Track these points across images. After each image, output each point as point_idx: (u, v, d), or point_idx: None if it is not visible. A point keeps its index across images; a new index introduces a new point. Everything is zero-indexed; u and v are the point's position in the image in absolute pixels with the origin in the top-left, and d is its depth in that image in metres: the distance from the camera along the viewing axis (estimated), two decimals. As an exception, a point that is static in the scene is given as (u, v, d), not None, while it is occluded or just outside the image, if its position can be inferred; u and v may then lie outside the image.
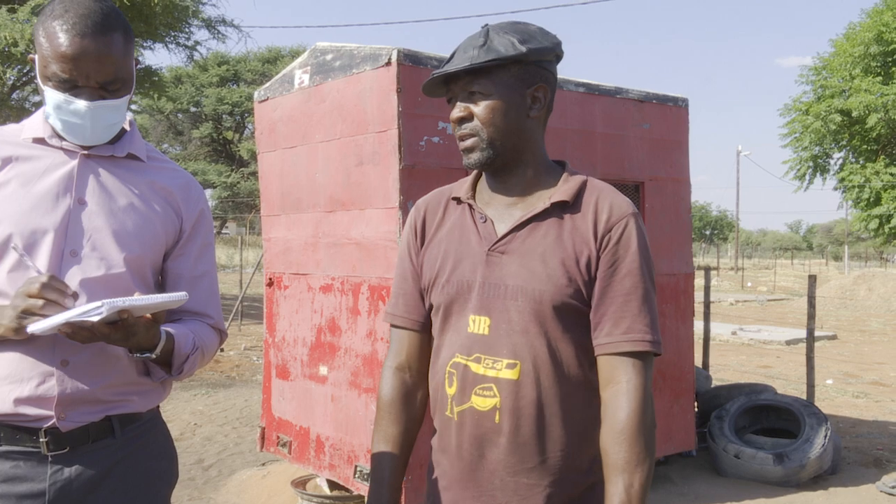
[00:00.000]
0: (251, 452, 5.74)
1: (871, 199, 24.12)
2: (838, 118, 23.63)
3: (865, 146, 24.72)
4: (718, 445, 5.31)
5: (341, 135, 4.14)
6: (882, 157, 24.39)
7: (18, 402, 1.48)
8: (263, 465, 5.40)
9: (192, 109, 40.21)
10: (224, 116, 40.53)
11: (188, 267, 1.70)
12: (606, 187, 1.56)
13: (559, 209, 1.51)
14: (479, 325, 1.51)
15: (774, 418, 5.65)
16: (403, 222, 3.74)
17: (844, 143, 25.23)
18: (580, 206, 1.51)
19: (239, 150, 39.19)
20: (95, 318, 1.35)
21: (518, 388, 1.47)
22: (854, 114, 23.15)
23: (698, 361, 6.35)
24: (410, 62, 3.80)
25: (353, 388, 4.10)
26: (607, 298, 1.47)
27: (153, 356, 1.52)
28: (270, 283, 4.81)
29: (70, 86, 1.50)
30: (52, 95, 1.51)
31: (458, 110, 1.52)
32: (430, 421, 1.65)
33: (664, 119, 5.13)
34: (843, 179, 25.10)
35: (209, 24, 14.68)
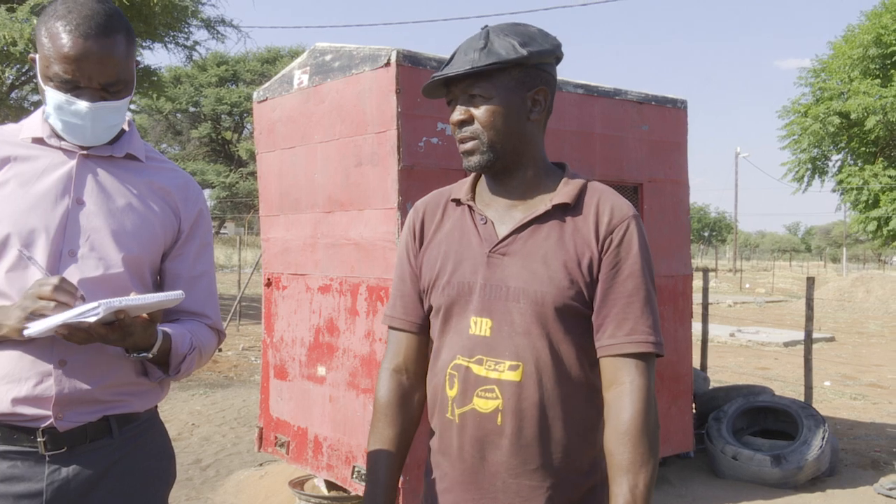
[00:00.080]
0: (249, 453, 5.74)
1: (870, 202, 24.17)
2: (837, 120, 23.66)
3: (864, 148, 24.75)
4: (716, 447, 5.31)
5: (340, 135, 4.14)
6: (880, 159, 24.42)
7: (16, 401, 1.48)
8: (261, 465, 5.39)
9: (191, 109, 40.19)
10: (223, 116, 40.52)
11: (186, 267, 1.69)
12: (607, 190, 1.56)
13: (560, 211, 1.51)
14: (480, 326, 1.51)
15: (772, 420, 5.66)
16: (402, 223, 3.74)
17: (843, 145, 25.27)
18: (581, 209, 1.51)
19: (238, 151, 39.17)
20: (92, 319, 1.35)
21: (520, 389, 1.47)
22: (853, 116, 23.19)
23: (696, 363, 6.36)
24: (410, 63, 3.81)
25: (351, 388, 4.10)
26: (610, 300, 1.47)
27: (150, 356, 1.52)
28: (269, 284, 4.81)
29: (72, 86, 1.50)
30: (53, 96, 1.51)
31: (458, 113, 1.51)
32: (427, 422, 1.65)
33: (663, 121, 5.13)
34: (841, 181, 25.14)
35: (208, 25, 14.68)
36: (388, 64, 3.79)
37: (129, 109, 1.62)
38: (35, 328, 1.37)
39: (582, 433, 1.51)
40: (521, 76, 1.49)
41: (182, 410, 7.08)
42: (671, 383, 5.08)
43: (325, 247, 4.32)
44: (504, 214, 1.55)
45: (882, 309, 21.21)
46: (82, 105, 1.50)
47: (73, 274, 1.51)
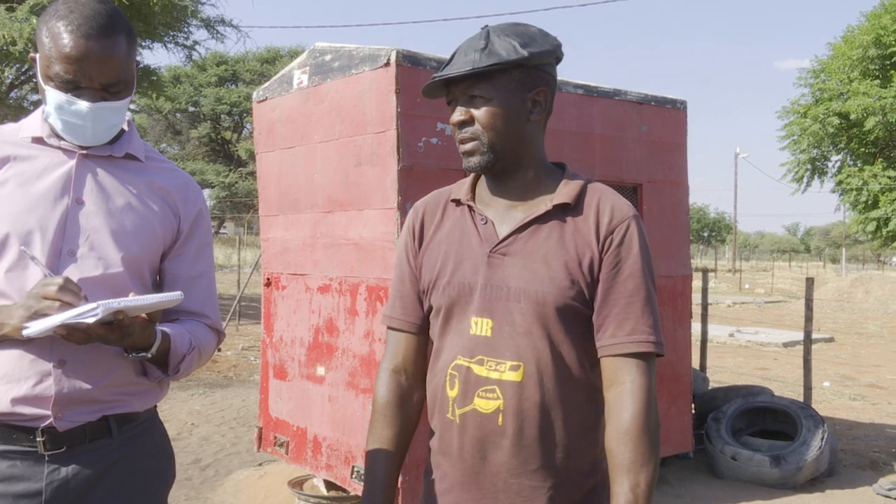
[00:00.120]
0: (248, 452, 5.74)
1: (869, 202, 24.18)
2: (836, 121, 23.67)
3: (863, 149, 24.77)
4: (715, 447, 5.31)
5: (340, 135, 4.14)
6: (880, 159, 24.44)
7: (15, 401, 1.48)
8: (260, 465, 5.39)
9: (191, 109, 40.17)
10: (222, 116, 40.49)
11: (186, 267, 1.69)
12: (607, 190, 1.56)
13: (561, 211, 1.51)
14: (481, 327, 1.51)
15: (771, 420, 5.66)
16: (402, 223, 3.74)
17: (842, 145, 25.28)
18: (582, 209, 1.51)
19: (237, 150, 39.15)
20: (91, 320, 1.35)
21: (522, 390, 1.47)
22: (852, 117, 23.19)
23: (696, 363, 6.36)
24: (409, 63, 3.81)
25: (350, 388, 4.10)
26: (610, 300, 1.47)
27: (149, 355, 1.52)
28: (268, 284, 4.81)
29: (72, 86, 1.50)
30: (53, 95, 1.51)
31: (458, 114, 1.51)
32: (427, 422, 1.65)
33: (662, 121, 5.13)
34: (840, 182, 25.15)
35: (208, 24, 14.67)
36: (387, 64, 3.79)
37: (129, 109, 1.62)
38: (34, 328, 1.37)
39: (583, 433, 1.51)
40: (521, 77, 1.48)
41: (181, 410, 7.08)
42: (670, 383, 5.08)
43: (324, 247, 4.32)
44: (504, 215, 1.55)
45: (881, 309, 21.22)
46: (83, 105, 1.50)
47: (72, 273, 1.51)
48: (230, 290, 17.05)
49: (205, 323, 1.70)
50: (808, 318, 6.16)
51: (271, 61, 38.51)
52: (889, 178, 23.71)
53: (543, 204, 1.53)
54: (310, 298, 4.43)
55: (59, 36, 1.47)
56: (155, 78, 15.13)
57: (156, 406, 1.71)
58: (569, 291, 1.47)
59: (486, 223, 1.55)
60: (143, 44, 13.73)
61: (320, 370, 4.31)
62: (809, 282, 6.30)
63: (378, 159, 3.89)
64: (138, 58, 1.62)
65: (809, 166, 25.70)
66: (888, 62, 23.37)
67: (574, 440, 1.50)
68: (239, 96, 38.24)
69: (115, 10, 1.53)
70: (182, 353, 1.58)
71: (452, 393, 1.52)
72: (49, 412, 1.49)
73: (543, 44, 1.50)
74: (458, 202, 1.61)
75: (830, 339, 14.37)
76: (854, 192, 24.46)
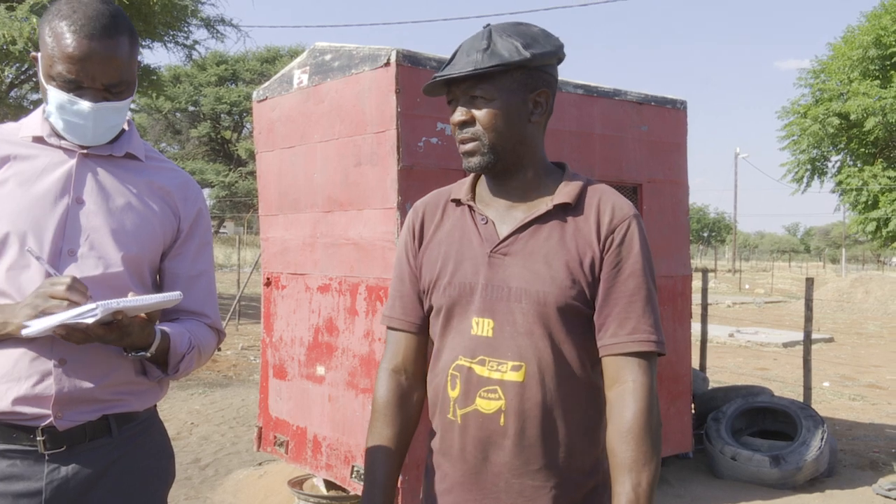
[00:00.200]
0: (248, 452, 5.74)
1: (869, 202, 24.19)
2: (836, 121, 23.68)
3: (863, 149, 24.77)
4: (715, 447, 5.31)
5: (340, 135, 4.14)
6: (880, 160, 24.45)
7: (16, 400, 1.48)
8: (260, 464, 5.39)
9: (191, 109, 40.15)
10: (222, 116, 40.48)
11: (186, 266, 1.69)
12: (608, 189, 1.56)
13: (561, 211, 1.51)
14: (482, 327, 1.51)
15: (771, 421, 5.66)
16: (401, 223, 3.74)
17: (842, 146, 25.29)
18: (582, 209, 1.51)
19: (237, 150, 39.14)
20: (90, 321, 1.35)
21: (523, 390, 1.47)
22: (852, 117, 23.20)
23: (695, 363, 6.36)
24: (409, 63, 3.81)
25: (350, 388, 4.10)
26: (611, 300, 1.47)
27: (148, 355, 1.52)
28: (268, 283, 4.81)
29: (74, 86, 1.50)
30: (55, 95, 1.51)
31: (459, 114, 1.51)
32: (427, 422, 1.65)
33: (662, 121, 5.13)
34: (840, 182, 25.16)
35: (208, 24, 14.67)
36: (387, 64, 3.79)
37: (129, 109, 1.62)
38: (34, 327, 1.37)
39: (585, 433, 1.51)
40: (523, 78, 1.48)
41: (181, 410, 7.08)
42: (670, 384, 5.08)
43: (324, 246, 4.31)
44: (505, 215, 1.55)
45: (881, 310, 21.22)
46: (85, 105, 1.50)
47: (72, 273, 1.51)
48: (230, 290, 17.05)
49: (205, 322, 1.70)
50: (808, 319, 6.16)
51: (271, 61, 38.50)
52: (889, 178, 23.72)
53: (544, 204, 1.52)
54: (309, 298, 4.43)
55: (62, 36, 1.47)
56: (155, 77, 15.13)
57: (155, 405, 1.71)
58: (570, 291, 1.47)
59: (486, 223, 1.55)
60: (143, 43, 13.73)
61: (320, 370, 4.31)
62: (809, 282, 6.30)
63: (378, 159, 3.88)
64: (139, 57, 1.62)
65: (809, 166, 25.71)
66: (888, 62, 23.38)
67: (576, 440, 1.50)
68: (239, 96, 38.23)
69: (118, 11, 1.53)
70: (182, 353, 1.58)
71: (454, 393, 1.52)
72: (49, 411, 1.49)
73: (546, 45, 1.49)
74: (458, 202, 1.61)
75: (830, 340, 14.37)
76: (854, 193, 24.47)
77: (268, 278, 4.81)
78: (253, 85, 36.49)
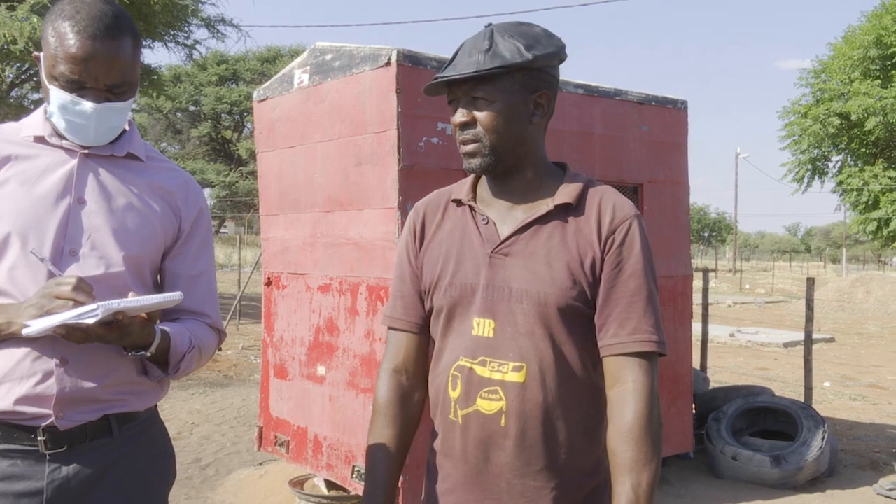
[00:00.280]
0: (248, 452, 5.74)
1: (870, 202, 24.19)
2: (837, 121, 23.68)
3: (864, 149, 24.77)
4: (716, 447, 5.31)
5: (340, 135, 4.14)
6: (880, 160, 24.45)
7: (17, 400, 1.48)
8: (261, 464, 5.39)
9: (191, 108, 40.16)
10: (223, 115, 40.48)
11: (186, 266, 1.69)
12: (608, 189, 1.56)
13: (562, 212, 1.51)
14: (483, 327, 1.50)
15: (772, 421, 5.66)
16: (402, 223, 3.74)
17: (843, 146, 25.29)
18: (583, 209, 1.51)
19: (237, 150, 39.15)
20: (91, 321, 1.35)
21: (524, 391, 1.47)
22: (853, 117, 23.20)
23: (696, 363, 6.36)
24: (410, 63, 3.80)
25: (350, 388, 4.10)
26: (612, 300, 1.47)
27: (148, 354, 1.52)
28: (269, 283, 4.81)
29: (77, 87, 1.50)
30: (58, 95, 1.51)
31: (460, 115, 1.51)
32: (428, 422, 1.65)
33: (663, 121, 5.13)
34: (841, 182, 25.16)
35: (208, 24, 14.67)
36: (388, 64, 3.79)
37: (130, 109, 1.62)
38: (34, 327, 1.38)
39: (586, 433, 1.51)
40: (524, 80, 1.48)
41: (182, 409, 7.08)
42: (671, 384, 5.08)
43: (324, 246, 4.32)
44: (505, 215, 1.55)
45: (882, 310, 21.22)
46: (87, 105, 1.50)
47: (73, 273, 1.51)
48: (231, 290, 17.05)
49: (205, 322, 1.70)
50: (809, 319, 6.16)
51: (272, 61, 38.50)
52: (890, 178, 23.72)
53: (545, 204, 1.52)
54: (310, 298, 4.43)
55: (65, 36, 1.47)
56: (155, 77, 15.15)
57: (156, 405, 1.71)
58: (571, 292, 1.47)
59: (487, 223, 1.55)
60: (144, 43, 13.70)
61: (321, 370, 4.31)
62: (810, 282, 6.30)
63: (378, 159, 3.88)
64: (140, 57, 1.62)
65: (810, 166, 25.71)
66: (889, 62, 23.38)
67: (577, 440, 1.50)
68: (239, 95, 38.23)
69: (121, 12, 1.53)
70: (182, 352, 1.58)
71: (455, 394, 1.52)
72: (50, 411, 1.49)
73: (548, 46, 1.49)
74: (459, 202, 1.61)
75: (831, 340, 14.37)
76: (855, 193, 24.46)
77: (268, 278, 4.81)
78: (253, 85, 36.48)
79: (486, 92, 1.47)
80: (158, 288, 1.70)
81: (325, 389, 4.27)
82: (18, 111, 13.15)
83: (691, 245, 5.73)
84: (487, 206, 1.58)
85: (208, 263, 1.74)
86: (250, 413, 6.90)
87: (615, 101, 4.85)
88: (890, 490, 5.09)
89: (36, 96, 14.87)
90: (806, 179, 25.87)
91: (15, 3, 10.82)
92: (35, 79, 13.52)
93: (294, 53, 36.62)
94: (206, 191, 38.68)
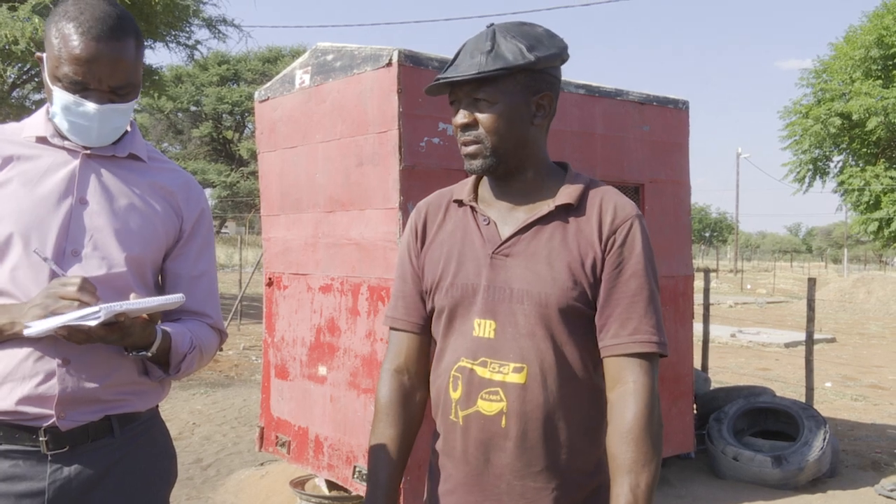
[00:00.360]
0: (249, 452, 5.74)
1: (871, 203, 24.19)
2: (838, 121, 23.68)
3: (865, 149, 24.77)
4: (717, 448, 5.31)
5: (341, 135, 4.14)
6: (882, 160, 24.44)
7: (20, 400, 1.48)
8: (262, 464, 5.40)
9: (192, 108, 40.18)
10: (224, 116, 40.50)
11: (187, 267, 1.70)
12: (610, 189, 1.55)
13: (563, 212, 1.51)
14: (484, 328, 1.50)
15: (773, 421, 5.65)
16: (403, 223, 3.74)
17: (844, 146, 25.29)
18: (584, 209, 1.51)
19: (239, 150, 39.16)
20: (93, 323, 1.35)
21: (525, 391, 1.46)
22: (854, 117, 23.20)
23: (697, 363, 6.35)
24: (411, 63, 3.81)
25: (352, 388, 4.10)
26: (613, 300, 1.47)
27: (149, 354, 1.52)
28: (270, 283, 4.81)
29: (81, 88, 1.50)
30: (61, 96, 1.51)
31: (461, 117, 1.50)
32: (429, 423, 1.65)
33: (664, 121, 5.13)
34: (842, 182, 25.16)
35: (210, 24, 14.69)
36: (389, 64, 3.79)
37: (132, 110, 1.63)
38: (35, 328, 1.38)
39: (586, 434, 1.51)
40: (526, 81, 1.47)
41: (183, 410, 7.08)
42: (672, 384, 5.08)
43: (326, 246, 4.32)
44: (507, 215, 1.55)
45: (883, 310, 21.20)
46: (90, 107, 1.51)
47: (76, 273, 1.51)
48: (232, 290, 17.06)
49: (206, 322, 1.70)
50: (810, 319, 6.15)
51: (273, 61, 38.51)
52: (891, 178, 23.72)
53: (546, 205, 1.52)
54: (311, 298, 4.43)
55: (69, 37, 1.47)
56: (157, 77, 15.15)
57: (157, 406, 1.72)
58: (571, 292, 1.46)
59: (488, 224, 1.55)
60: (145, 43, 13.72)
61: (322, 370, 4.32)
62: (811, 282, 6.30)
63: (380, 159, 3.89)
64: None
65: (811, 166, 25.71)
66: (890, 62, 23.38)
67: (577, 441, 1.50)
68: (241, 96, 38.24)
69: (124, 13, 1.53)
70: (183, 353, 1.59)
71: (455, 395, 1.52)
72: (52, 412, 1.49)
73: (550, 47, 1.49)
74: (460, 203, 1.61)
75: (832, 340, 14.36)
76: (856, 193, 24.46)
77: (269, 278, 4.81)
78: (255, 85, 36.49)
79: (488, 93, 1.46)
80: (160, 288, 1.70)
81: (327, 390, 4.27)
82: (20, 112, 13.16)
83: (692, 245, 5.72)
84: (489, 206, 1.58)
85: (210, 264, 1.74)
86: (251, 413, 6.90)
87: (616, 101, 4.85)
88: (891, 490, 5.09)
89: (37, 97, 14.89)
90: (807, 179, 25.89)
91: (16, 4, 10.83)
92: (37, 79, 13.54)
93: (295, 54, 36.63)
94: (208, 191, 38.70)
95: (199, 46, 15.03)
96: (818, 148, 25.10)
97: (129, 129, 1.67)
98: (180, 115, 40.96)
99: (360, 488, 4.00)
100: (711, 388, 6.40)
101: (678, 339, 5.13)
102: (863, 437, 6.70)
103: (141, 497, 1.62)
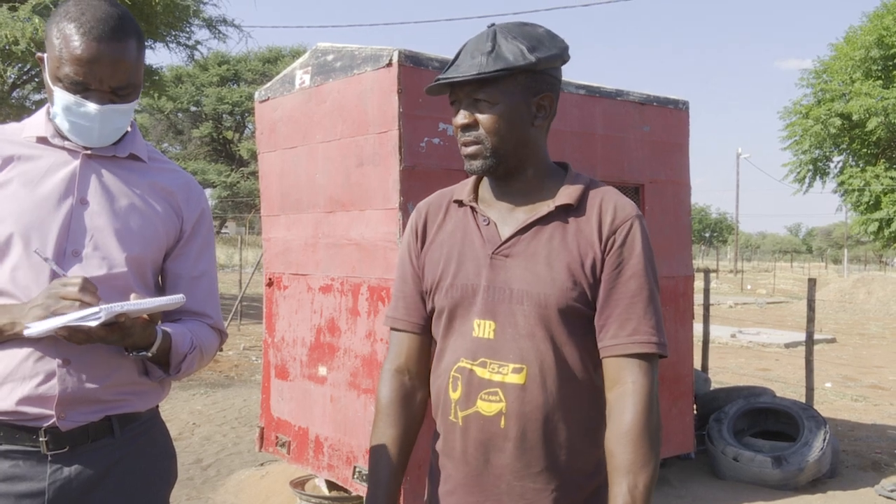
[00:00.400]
0: (250, 452, 5.74)
1: (871, 203, 24.19)
2: (838, 121, 23.69)
3: (865, 150, 24.78)
4: (717, 448, 5.31)
5: (342, 135, 4.14)
6: (882, 160, 24.44)
7: (20, 400, 1.48)
8: (262, 465, 5.40)
9: (193, 109, 40.18)
10: (224, 116, 40.50)
11: (188, 267, 1.70)
12: (610, 190, 1.55)
13: (563, 212, 1.51)
14: (484, 329, 1.50)
15: (773, 421, 5.65)
16: (403, 223, 3.75)
17: (844, 146, 25.30)
18: (584, 209, 1.51)
19: (239, 150, 39.16)
20: (94, 324, 1.35)
21: (524, 392, 1.46)
22: (854, 117, 23.20)
23: (697, 364, 6.35)
24: (411, 63, 3.81)
25: (352, 388, 4.10)
26: (612, 300, 1.47)
27: (149, 355, 1.52)
28: (270, 284, 4.81)
29: (82, 88, 1.50)
30: (62, 96, 1.51)
31: (461, 117, 1.50)
32: (430, 423, 1.65)
33: (664, 121, 5.13)
34: (842, 183, 25.17)
35: (210, 24, 14.68)
36: (389, 64, 3.79)
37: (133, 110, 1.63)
38: (36, 328, 1.38)
39: (586, 435, 1.51)
40: (527, 82, 1.47)
41: (183, 410, 7.08)
42: (672, 384, 5.08)
43: (326, 247, 4.32)
44: (507, 216, 1.55)
45: (883, 310, 21.19)
46: (91, 107, 1.51)
47: (76, 273, 1.51)
48: (232, 290, 17.06)
49: (206, 323, 1.70)
50: (810, 319, 6.15)
51: (273, 61, 38.52)
52: (891, 178, 23.72)
53: (546, 205, 1.52)
54: (311, 298, 4.43)
55: (70, 38, 1.47)
56: (157, 77, 15.15)
57: (157, 406, 1.72)
58: (571, 293, 1.46)
59: (488, 224, 1.55)
60: (146, 43, 13.72)
61: (322, 370, 4.32)
62: (811, 282, 6.30)
63: (380, 159, 3.89)
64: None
65: (811, 167, 25.72)
66: (890, 63, 23.38)
67: (577, 442, 1.50)
68: (241, 96, 38.24)
69: (125, 13, 1.53)
70: (183, 353, 1.59)
71: (455, 395, 1.52)
72: (52, 412, 1.49)
73: (551, 47, 1.48)
74: (460, 203, 1.61)
75: (832, 340, 14.35)
76: (856, 193, 24.46)
77: (270, 279, 4.81)
78: (255, 85, 36.48)
79: (489, 94, 1.46)
80: (160, 288, 1.70)
81: (327, 390, 4.27)
82: (20, 112, 13.16)
83: (692, 245, 5.72)
84: (489, 206, 1.58)
85: (210, 264, 1.74)
86: (251, 413, 6.90)
87: (616, 101, 4.85)
88: (892, 491, 5.09)
89: (38, 97, 14.88)
90: (807, 180, 25.89)
91: (17, 4, 10.83)
92: (37, 79, 13.54)
93: (295, 54, 36.64)
94: (208, 191, 38.69)
95: (199, 47, 15.03)
96: (818, 148, 25.10)
97: (129, 129, 1.67)
98: (180, 115, 40.97)
99: (360, 488, 4.00)
100: (711, 388, 6.40)
101: (678, 339, 5.13)
102: (863, 438, 6.70)
103: (141, 497, 1.62)
